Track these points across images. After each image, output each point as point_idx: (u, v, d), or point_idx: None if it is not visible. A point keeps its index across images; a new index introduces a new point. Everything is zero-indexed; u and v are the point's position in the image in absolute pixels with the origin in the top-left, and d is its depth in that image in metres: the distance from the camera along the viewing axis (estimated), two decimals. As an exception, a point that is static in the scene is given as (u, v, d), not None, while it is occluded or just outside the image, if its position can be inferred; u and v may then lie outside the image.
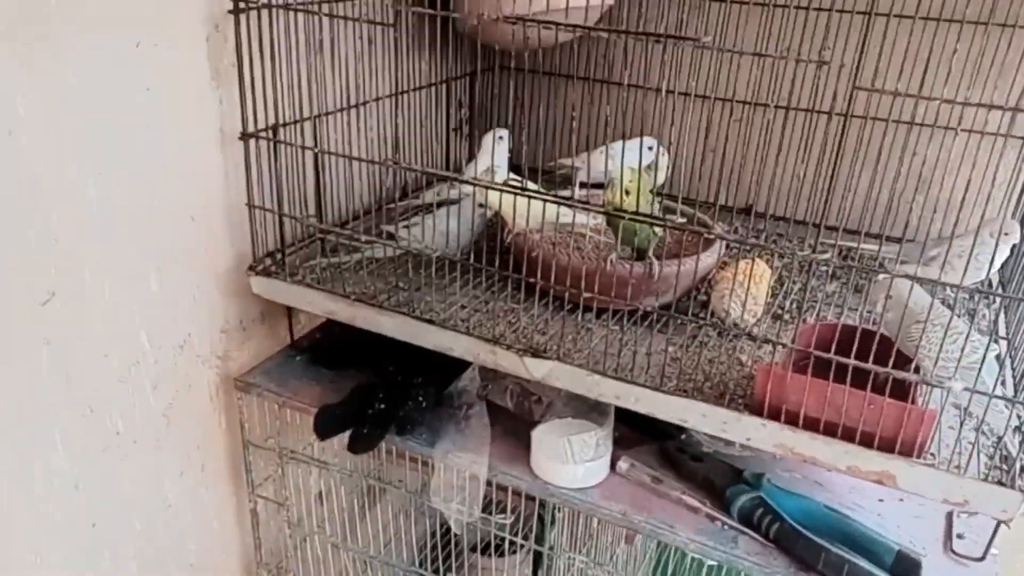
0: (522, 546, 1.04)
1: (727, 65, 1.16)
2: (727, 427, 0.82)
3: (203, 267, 1.04)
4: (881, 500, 0.93)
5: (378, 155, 1.19)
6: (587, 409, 0.97)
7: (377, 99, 1.13)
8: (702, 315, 1.02)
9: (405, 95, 1.26)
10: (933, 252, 1.08)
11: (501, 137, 1.17)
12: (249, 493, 1.15)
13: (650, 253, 0.96)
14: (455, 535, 1.51)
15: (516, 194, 0.85)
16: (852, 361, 0.75)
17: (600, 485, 0.92)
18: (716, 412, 0.82)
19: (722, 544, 0.85)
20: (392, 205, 1.13)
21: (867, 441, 0.76)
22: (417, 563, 1.42)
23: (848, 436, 0.77)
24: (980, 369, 0.73)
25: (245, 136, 1.01)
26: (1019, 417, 0.73)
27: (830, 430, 0.78)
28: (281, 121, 1.02)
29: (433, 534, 1.51)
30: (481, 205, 1.03)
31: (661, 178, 1.33)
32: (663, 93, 0.78)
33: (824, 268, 1.18)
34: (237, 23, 0.95)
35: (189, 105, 0.96)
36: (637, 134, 1.29)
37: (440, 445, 0.98)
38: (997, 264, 1.02)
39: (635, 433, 1.00)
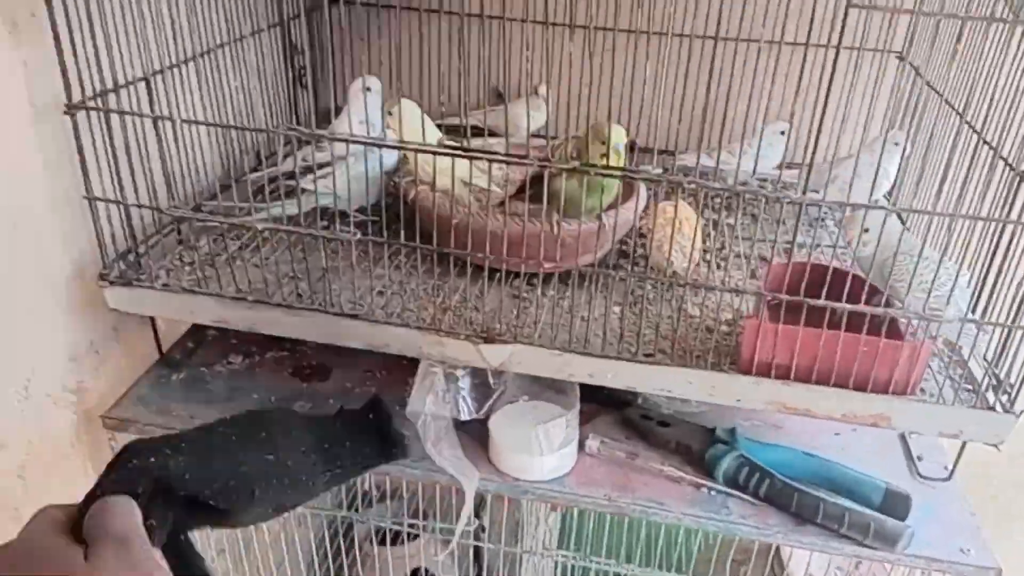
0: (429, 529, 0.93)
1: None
2: (716, 391, 0.76)
3: (36, 284, 0.81)
4: (837, 434, 0.92)
5: (223, 116, 0.98)
6: (542, 388, 0.88)
7: (209, 50, 0.93)
8: (638, 268, 0.95)
9: (242, 42, 1.05)
10: (831, 174, 1.08)
11: (369, 88, 1.00)
12: (134, 546, 0.94)
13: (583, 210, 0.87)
14: (343, 530, 1.39)
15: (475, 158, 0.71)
16: (846, 305, 0.71)
17: (574, 471, 0.84)
18: (703, 377, 0.76)
19: (715, 512, 0.80)
20: (252, 176, 0.96)
21: (861, 385, 0.74)
22: (312, 571, 1.28)
23: (841, 382, 0.74)
24: (962, 297, 0.72)
25: (71, 108, 0.78)
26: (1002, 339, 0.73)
27: (821, 378, 0.74)
28: (109, 86, 0.80)
29: (323, 536, 1.38)
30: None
31: (541, 121, 1.24)
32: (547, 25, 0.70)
33: (719, 200, 1.15)
34: (40, -45, 0.72)
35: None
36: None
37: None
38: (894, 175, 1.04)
39: (587, 403, 0.92)
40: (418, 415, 0.80)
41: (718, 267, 0.98)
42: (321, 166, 0.98)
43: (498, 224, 0.81)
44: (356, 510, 1.00)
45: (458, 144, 0.73)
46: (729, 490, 0.82)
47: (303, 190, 0.88)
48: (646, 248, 0.94)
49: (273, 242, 0.93)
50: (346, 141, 0.74)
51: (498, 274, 0.88)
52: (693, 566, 1.19)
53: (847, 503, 0.78)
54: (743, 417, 0.93)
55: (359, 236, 0.79)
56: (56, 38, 0.74)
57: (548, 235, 0.82)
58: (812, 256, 0.98)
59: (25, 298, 0.79)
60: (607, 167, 0.73)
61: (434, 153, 0.73)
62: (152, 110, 0.81)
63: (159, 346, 0.96)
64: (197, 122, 0.80)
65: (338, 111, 0.98)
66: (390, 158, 0.95)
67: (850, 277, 0.73)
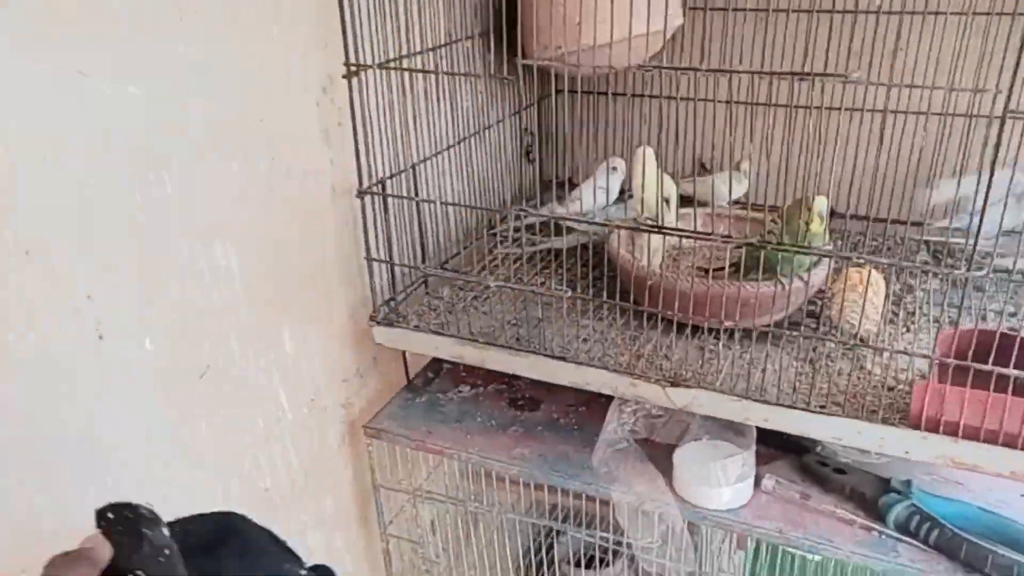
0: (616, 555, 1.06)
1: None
2: (884, 443, 0.84)
3: (326, 322, 1.06)
4: (1023, 495, 0.95)
5: (467, 193, 1.20)
6: (722, 428, 0.99)
7: (461, 140, 1.15)
8: (822, 328, 1.04)
9: (485, 131, 1.27)
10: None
11: (615, 168, 1.19)
12: (381, 534, 1.17)
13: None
14: (548, 549, 1.54)
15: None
16: (1012, 371, 0.77)
17: (749, 504, 0.94)
18: (872, 429, 0.84)
19: (883, 554, 0.87)
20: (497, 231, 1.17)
21: (1029, 445, 0.78)
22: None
23: (1009, 442, 0.79)
24: None
25: (360, 193, 1.02)
26: None
27: (989, 437, 0.80)
28: (387, 174, 1.04)
29: (527, 552, 1.54)
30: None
31: (740, 192, 1.35)
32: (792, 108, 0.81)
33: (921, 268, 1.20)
34: (350, 86, 0.96)
35: (305, 168, 0.98)
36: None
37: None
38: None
39: (767, 447, 1.01)
40: (611, 443, 0.95)
41: (907, 329, 1.04)
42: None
43: (686, 285, 0.95)
44: (565, 520, 1.15)
45: (656, 222, 0.88)
46: (899, 536, 0.88)
47: (569, 229, 1.11)
48: (828, 309, 1.03)
49: (500, 295, 1.12)
50: (556, 219, 0.92)
51: (686, 328, 1.01)
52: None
53: (1018, 556, 0.81)
54: (922, 471, 0.98)
55: (570, 293, 0.95)
56: (355, 142, 0.98)
57: (731, 296, 0.94)
58: (995, 322, 1.02)
59: (317, 333, 1.04)
60: (780, 244, 0.84)
61: (634, 229, 0.89)
62: (416, 193, 1.04)
63: (407, 374, 1.19)
64: (450, 203, 1.02)
65: (561, 182, 1.17)
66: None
67: (1018, 341, 0.79)
